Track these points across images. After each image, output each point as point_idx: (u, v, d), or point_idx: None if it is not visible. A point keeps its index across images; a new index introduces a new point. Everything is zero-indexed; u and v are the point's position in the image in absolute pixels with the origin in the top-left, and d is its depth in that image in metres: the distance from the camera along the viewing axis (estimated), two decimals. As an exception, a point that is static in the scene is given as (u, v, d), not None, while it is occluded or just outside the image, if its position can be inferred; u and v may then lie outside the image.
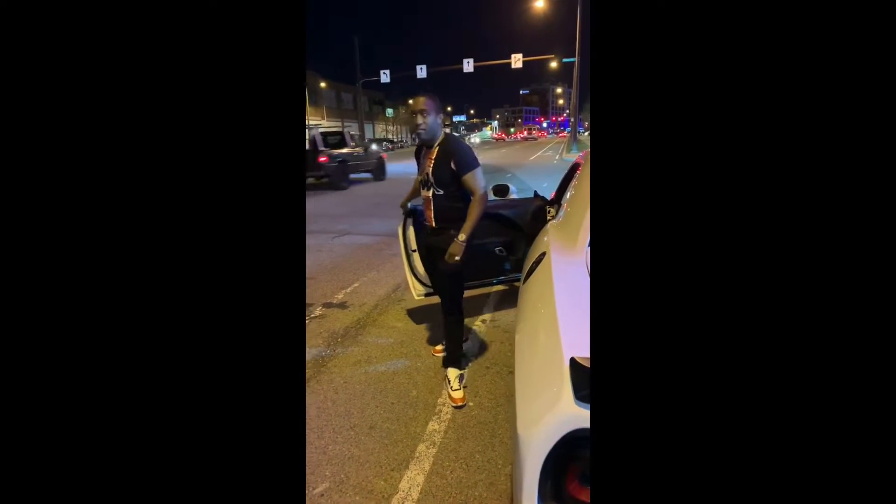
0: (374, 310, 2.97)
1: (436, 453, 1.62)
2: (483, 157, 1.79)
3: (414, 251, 2.41)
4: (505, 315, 2.80)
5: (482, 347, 2.42)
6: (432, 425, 1.77)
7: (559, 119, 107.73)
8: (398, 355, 2.33)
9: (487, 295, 3.12)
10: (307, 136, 9.31)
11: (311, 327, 2.72)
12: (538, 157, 19.98)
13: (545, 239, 1.52)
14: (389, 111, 48.63)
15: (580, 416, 0.68)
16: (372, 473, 1.53)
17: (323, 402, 1.95)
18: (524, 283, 1.41)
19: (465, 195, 1.85)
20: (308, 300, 3.16)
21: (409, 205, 2.28)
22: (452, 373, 1.97)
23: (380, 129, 48.26)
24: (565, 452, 0.70)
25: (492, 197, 2.25)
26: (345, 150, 10.23)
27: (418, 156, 2.00)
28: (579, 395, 0.69)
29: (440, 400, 1.94)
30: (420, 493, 1.44)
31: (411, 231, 2.40)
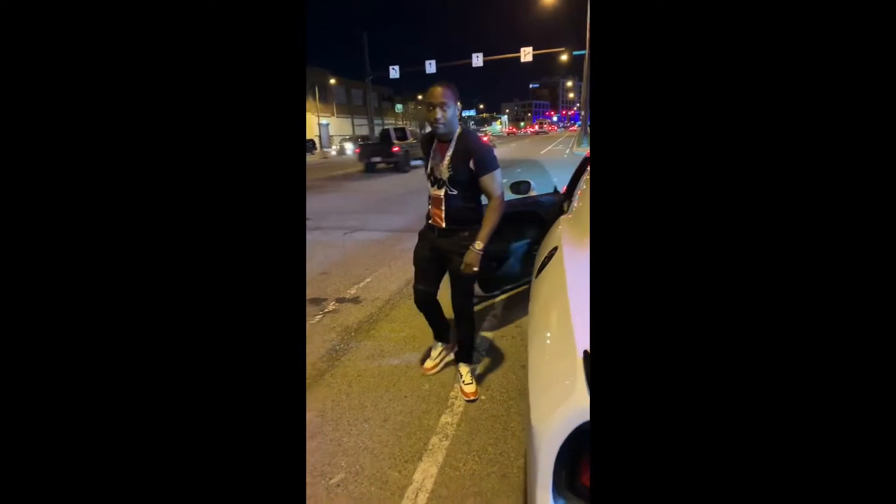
0: (387, 304, 3.00)
1: (449, 446, 1.64)
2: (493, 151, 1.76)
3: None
4: (515, 310, 2.81)
5: (493, 342, 2.43)
6: (445, 418, 1.80)
7: (569, 113, 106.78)
8: (411, 349, 2.35)
9: (494, 295, 3.13)
10: (379, 131, 13.56)
11: (325, 322, 2.76)
12: (548, 152, 19.85)
13: (557, 233, 1.52)
14: (399, 107, 48.61)
15: None
16: (386, 465, 1.56)
17: (337, 395, 1.98)
18: (536, 277, 1.42)
19: (478, 195, 1.75)
20: (321, 295, 3.20)
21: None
22: (464, 367, 1.98)
23: (390, 125, 48.33)
24: (579, 443, 0.71)
25: (510, 195, 2.11)
26: (407, 142, 13.34)
27: (426, 147, 1.81)
28: None
29: (452, 393, 1.96)
30: (434, 485, 1.46)
31: None
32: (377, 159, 12.93)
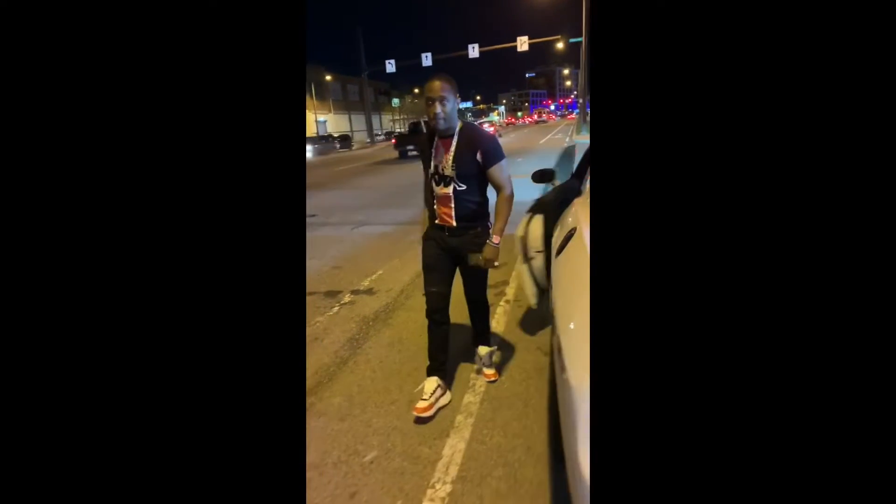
0: (401, 295, 3.08)
1: (474, 423, 1.72)
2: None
3: (539, 252, 2.10)
4: (525, 297, 2.88)
5: (508, 327, 2.51)
6: (468, 398, 1.88)
7: (567, 101, 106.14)
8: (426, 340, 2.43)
9: (507, 281, 3.20)
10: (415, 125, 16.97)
11: (343, 313, 2.84)
12: (548, 141, 19.83)
13: (573, 214, 1.59)
14: (396, 101, 48.44)
15: None
16: (416, 442, 1.64)
17: (362, 380, 2.07)
18: (556, 256, 1.50)
19: (485, 189, 1.73)
20: (336, 288, 3.28)
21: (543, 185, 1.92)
22: (483, 349, 2.03)
23: (387, 120, 48.21)
24: None
25: (532, 185, 2.02)
26: None
27: (422, 146, 1.76)
28: None
29: (472, 375, 2.04)
30: (463, 458, 1.54)
31: (536, 229, 2.10)
32: (410, 147, 15.72)
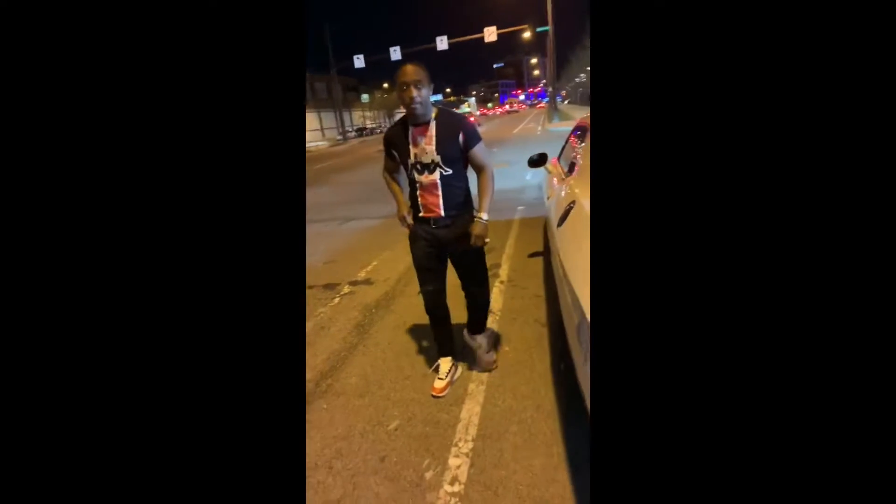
0: (399, 283, 3.19)
1: (485, 389, 1.86)
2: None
3: None
4: (520, 276, 3.04)
5: (506, 303, 2.66)
6: (477, 369, 2.01)
7: (535, 90, 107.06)
8: (431, 317, 2.56)
9: (499, 264, 3.35)
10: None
11: (344, 303, 2.94)
12: (521, 129, 20.08)
13: (570, 190, 1.77)
14: (365, 96, 47.94)
15: None
16: (435, 410, 1.77)
17: (374, 361, 2.18)
18: (559, 226, 1.67)
19: (466, 174, 1.73)
20: (334, 280, 3.37)
21: None
22: (480, 338, 2.00)
23: (357, 116, 47.70)
24: None
25: (530, 169, 2.19)
26: None
27: (395, 139, 1.69)
28: None
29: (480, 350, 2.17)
30: (480, 420, 1.68)
31: None
32: None
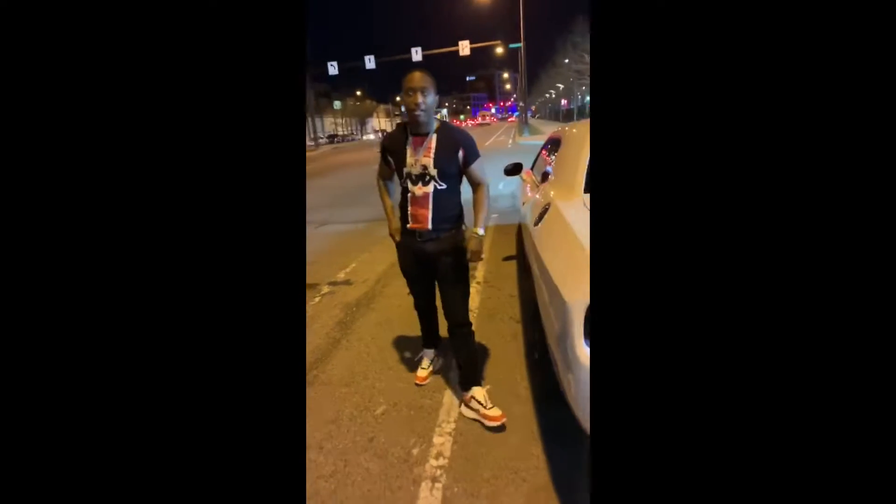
0: (378, 283, 3.29)
1: (465, 378, 2.00)
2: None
3: None
4: (496, 278, 3.21)
5: (482, 303, 2.81)
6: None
7: (507, 104, 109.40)
8: (414, 317, 2.66)
9: (475, 267, 3.51)
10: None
11: (325, 301, 3.02)
12: (493, 142, 20.54)
13: (545, 194, 1.99)
14: (337, 103, 47.78)
15: None
16: (418, 396, 1.89)
17: (358, 354, 2.28)
18: (536, 226, 1.87)
19: (460, 190, 1.70)
20: (313, 281, 3.44)
21: None
22: (479, 392, 1.76)
23: (329, 123, 47.45)
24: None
25: (506, 178, 2.33)
26: None
27: (393, 145, 1.65)
28: None
29: (457, 343, 2.32)
30: (461, 405, 1.82)
31: None
32: None
